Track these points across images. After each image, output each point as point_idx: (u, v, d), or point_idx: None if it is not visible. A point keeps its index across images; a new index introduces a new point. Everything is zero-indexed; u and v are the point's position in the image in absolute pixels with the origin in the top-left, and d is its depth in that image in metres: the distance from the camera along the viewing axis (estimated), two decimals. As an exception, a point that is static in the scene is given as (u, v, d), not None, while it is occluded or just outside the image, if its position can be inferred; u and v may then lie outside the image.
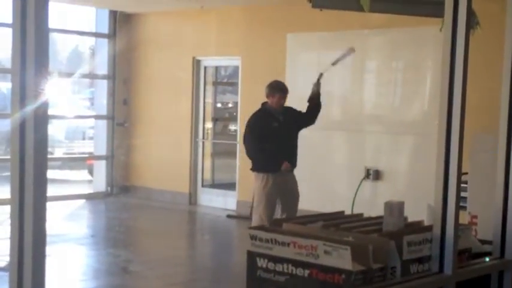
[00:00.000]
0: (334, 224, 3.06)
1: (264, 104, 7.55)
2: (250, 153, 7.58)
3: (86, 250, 8.88)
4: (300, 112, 7.66)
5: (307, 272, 2.69)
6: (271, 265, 2.80)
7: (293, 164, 7.55)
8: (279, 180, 7.36)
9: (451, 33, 2.88)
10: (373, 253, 2.66)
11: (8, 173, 1.95)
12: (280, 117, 7.47)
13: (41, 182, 1.86)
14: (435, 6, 5.94)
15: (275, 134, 7.39)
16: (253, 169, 7.55)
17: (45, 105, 1.87)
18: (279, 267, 2.77)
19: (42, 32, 1.85)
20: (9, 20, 1.93)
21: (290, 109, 7.64)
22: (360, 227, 3.05)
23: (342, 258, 2.60)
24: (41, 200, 1.86)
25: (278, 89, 7.48)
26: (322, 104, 7.72)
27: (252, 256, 2.88)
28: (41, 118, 1.86)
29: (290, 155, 7.51)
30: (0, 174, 13.15)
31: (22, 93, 1.86)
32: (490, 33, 7.75)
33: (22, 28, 1.86)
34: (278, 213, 7.54)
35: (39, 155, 1.86)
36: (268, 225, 4.16)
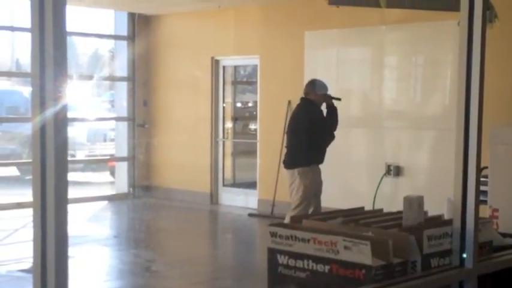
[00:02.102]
0: (354, 220, 3.06)
1: (306, 99, 7.70)
2: (303, 145, 7.65)
3: (109, 251, 8.95)
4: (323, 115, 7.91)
5: (327, 267, 2.70)
6: (291, 261, 2.81)
7: (323, 159, 7.73)
8: (317, 172, 7.54)
9: (467, 27, 2.87)
10: (394, 248, 2.67)
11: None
12: (318, 114, 7.67)
13: (62, 185, 1.88)
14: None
15: (319, 127, 7.55)
16: (297, 165, 7.58)
17: (64, 109, 1.89)
18: (299, 264, 2.79)
19: (60, 35, 1.87)
20: (29, 25, 1.95)
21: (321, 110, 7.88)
22: (380, 222, 3.06)
23: (362, 254, 2.60)
24: (62, 202, 1.88)
25: (323, 87, 7.78)
26: (337, 109, 7.94)
27: (272, 253, 2.89)
28: (61, 121, 1.88)
29: (324, 150, 7.75)
30: (24, 177, 13.27)
31: (42, 97, 1.88)
32: (510, 25, 7.71)
33: (40, 32, 1.88)
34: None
35: (60, 158, 1.87)
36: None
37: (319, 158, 7.69)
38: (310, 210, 7.49)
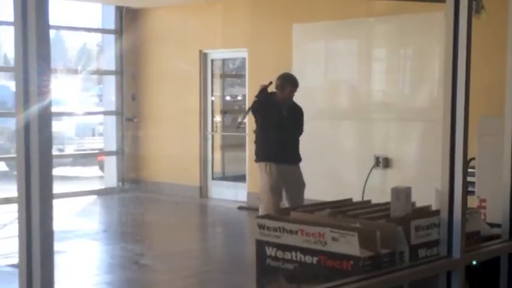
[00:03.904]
0: (342, 211, 3.07)
1: (271, 93, 7.52)
2: (258, 140, 7.61)
3: (99, 245, 8.93)
4: (301, 117, 7.65)
5: (315, 259, 2.70)
6: (279, 253, 2.82)
7: (296, 157, 7.51)
8: (281, 170, 7.34)
9: (453, 18, 2.87)
10: (381, 239, 2.67)
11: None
12: (284, 111, 7.42)
13: (47, 180, 1.86)
14: (439, -9, 5.92)
15: (277, 125, 7.35)
16: (256, 160, 7.59)
17: (49, 103, 1.87)
18: (287, 255, 2.79)
19: (44, 28, 1.85)
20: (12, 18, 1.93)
21: (296, 107, 7.63)
22: (368, 214, 3.06)
23: (349, 245, 2.61)
24: (47, 197, 1.86)
25: (290, 81, 7.45)
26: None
27: (260, 245, 2.90)
28: (45, 116, 1.86)
29: (291, 148, 7.45)
30: (12, 172, 13.23)
31: (26, 92, 1.87)
32: (500, 13, 7.71)
33: (23, 26, 1.86)
34: (285, 204, 7.55)
35: (44, 153, 1.86)
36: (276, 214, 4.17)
37: (279, 155, 7.34)
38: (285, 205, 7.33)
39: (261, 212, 7.35)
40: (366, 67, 10.18)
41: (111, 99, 13.08)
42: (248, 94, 11.51)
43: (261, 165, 7.47)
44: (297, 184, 7.49)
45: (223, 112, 12.58)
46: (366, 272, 2.60)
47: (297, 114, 7.60)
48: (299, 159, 7.56)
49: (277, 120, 7.36)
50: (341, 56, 10.46)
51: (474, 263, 3.17)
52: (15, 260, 7.28)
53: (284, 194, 7.47)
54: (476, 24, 2.98)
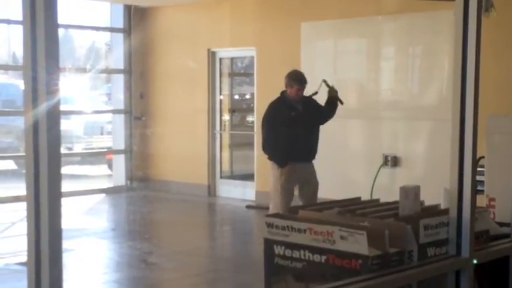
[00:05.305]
0: (350, 210, 3.06)
1: (283, 92, 7.51)
2: (265, 145, 7.54)
3: (107, 243, 8.95)
4: (320, 105, 7.60)
5: (324, 258, 2.70)
6: (288, 252, 2.81)
7: (311, 155, 7.52)
8: (295, 169, 7.34)
9: (462, 16, 2.86)
10: (390, 237, 2.66)
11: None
12: (299, 106, 7.40)
13: (55, 179, 1.86)
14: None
15: (292, 124, 7.33)
16: (269, 158, 7.55)
17: (57, 102, 1.87)
18: (295, 254, 2.78)
19: (52, 26, 1.85)
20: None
21: (311, 100, 7.56)
22: (376, 212, 3.05)
23: (358, 243, 2.60)
24: (55, 196, 1.86)
25: (297, 80, 7.39)
26: (339, 97, 7.64)
27: (269, 243, 2.89)
28: (54, 115, 1.86)
29: (308, 145, 7.45)
30: (21, 170, 13.26)
31: (34, 90, 1.86)
32: (509, 12, 7.69)
33: (32, 24, 1.86)
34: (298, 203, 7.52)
35: (53, 152, 1.85)
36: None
37: (292, 154, 7.32)
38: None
39: (271, 211, 7.34)
40: (375, 65, 10.17)
41: (119, 98, 13.11)
42: (256, 92, 11.51)
43: (274, 164, 7.45)
44: (310, 182, 7.47)
45: (232, 111, 12.58)
46: (375, 271, 2.59)
47: (312, 105, 7.51)
48: (313, 155, 7.51)
49: (290, 119, 7.34)
50: (349, 55, 10.45)
51: (475, 261, 3.14)
52: (24, 258, 7.33)
53: (297, 192, 7.47)
54: (486, 22, 2.96)
